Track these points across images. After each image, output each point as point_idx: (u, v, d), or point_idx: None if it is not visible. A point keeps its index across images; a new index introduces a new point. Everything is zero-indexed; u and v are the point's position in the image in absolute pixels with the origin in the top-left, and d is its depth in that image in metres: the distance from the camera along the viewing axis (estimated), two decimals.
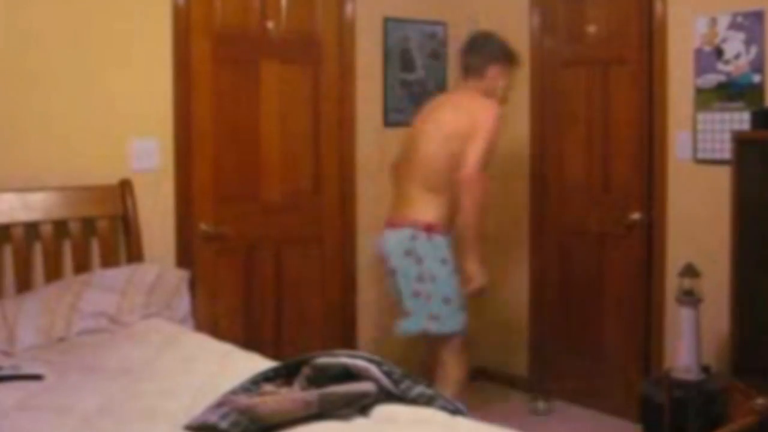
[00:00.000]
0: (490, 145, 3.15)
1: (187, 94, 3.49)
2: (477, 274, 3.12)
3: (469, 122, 3.15)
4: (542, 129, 4.28)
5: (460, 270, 3.22)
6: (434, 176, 3.17)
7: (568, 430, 3.89)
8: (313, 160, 3.96)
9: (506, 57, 3.37)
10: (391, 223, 3.22)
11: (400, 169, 3.34)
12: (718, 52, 3.45)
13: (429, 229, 3.12)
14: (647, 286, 3.84)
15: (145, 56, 3.36)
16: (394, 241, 3.17)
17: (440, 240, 3.13)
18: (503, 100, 3.40)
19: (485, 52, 3.37)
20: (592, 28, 4.04)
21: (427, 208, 3.15)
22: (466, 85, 3.42)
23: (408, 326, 3.26)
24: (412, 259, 3.13)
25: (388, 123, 4.19)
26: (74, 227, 3.08)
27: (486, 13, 4.49)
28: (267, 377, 2.16)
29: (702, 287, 3.26)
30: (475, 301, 4.56)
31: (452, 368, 3.25)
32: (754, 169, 3.04)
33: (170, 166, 3.45)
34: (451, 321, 3.21)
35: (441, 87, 4.40)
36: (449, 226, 3.20)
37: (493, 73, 3.35)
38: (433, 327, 3.22)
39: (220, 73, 3.61)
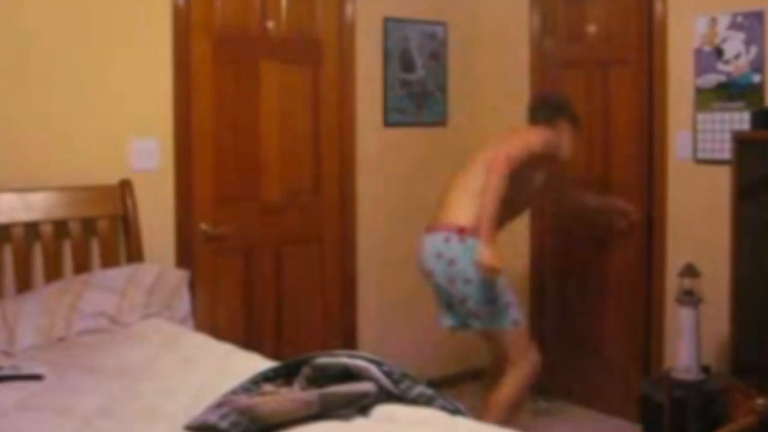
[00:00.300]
0: (526, 150, 3.23)
1: (187, 94, 3.49)
2: (486, 255, 3.11)
3: (521, 149, 3.25)
4: None
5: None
6: (473, 182, 3.22)
7: (567, 430, 3.89)
8: (313, 160, 3.96)
9: (574, 116, 3.48)
10: (428, 229, 3.28)
11: (452, 181, 3.39)
12: (718, 52, 3.45)
13: (461, 231, 3.15)
14: (647, 286, 3.84)
15: (145, 56, 3.36)
16: (428, 245, 3.23)
17: (472, 242, 3.13)
18: (569, 155, 3.49)
19: (558, 105, 3.49)
20: (592, 28, 4.04)
21: (461, 212, 3.20)
22: (532, 128, 3.45)
23: (447, 322, 3.33)
24: (444, 260, 3.17)
25: (388, 123, 4.19)
26: (74, 227, 3.08)
27: (486, 13, 4.50)
28: (267, 377, 2.16)
29: (702, 287, 3.26)
30: None
31: (520, 363, 3.26)
32: (754, 169, 3.04)
33: (170, 166, 3.45)
34: (500, 320, 3.21)
35: (441, 87, 4.40)
36: (495, 229, 3.21)
37: (561, 126, 3.42)
38: (477, 324, 3.25)
39: (220, 73, 3.61)
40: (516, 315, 3.25)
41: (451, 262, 3.15)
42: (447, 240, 3.17)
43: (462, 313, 3.26)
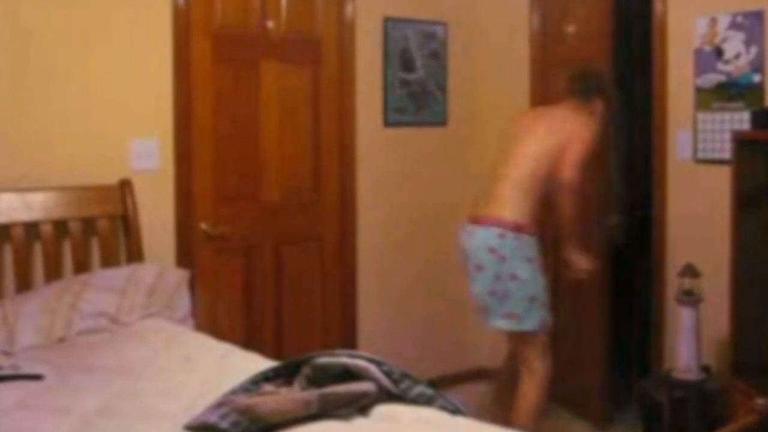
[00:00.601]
0: (586, 151, 3.24)
1: (187, 93, 3.49)
2: (579, 259, 3.30)
3: (567, 132, 3.25)
4: None
5: (545, 268, 3.31)
6: (528, 179, 3.22)
7: (567, 430, 3.89)
8: (313, 160, 3.96)
9: (609, 97, 3.45)
10: (478, 220, 3.24)
11: (495, 170, 3.35)
12: (718, 52, 3.45)
13: (518, 228, 3.16)
14: (647, 286, 3.84)
15: (145, 56, 3.36)
16: (479, 237, 3.20)
17: (527, 239, 3.18)
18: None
19: (597, 84, 3.45)
20: (591, 28, 4.04)
21: (513, 207, 3.18)
22: (568, 103, 3.42)
23: (486, 321, 3.31)
24: (496, 257, 3.15)
25: (388, 123, 4.20)
26: (74, 227, 3.08)
27: (486, 13, 4.50)
28: (267, 377, 2.16)
29: (702, 287, 3.26)
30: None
31: (537, 365, 3.28)
32: (754, 169, 3.04)
33: (170, 166, 3.45)
34: (531, 320, 3.23)
35: (441, 87, 4.40)
36: (537, 226, 3.25)
37: (596, 105, 3.39)
38: (509, 325, 3.24)
39: (220, 73, 3.61)
40: (546, 317, 3.27)
41: (503, 259, 3.15)
42: (502, 236, 3.14)
43: (497, 313, 3.23)
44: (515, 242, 3.15)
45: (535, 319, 3.23)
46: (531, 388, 3.26)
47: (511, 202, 3.19)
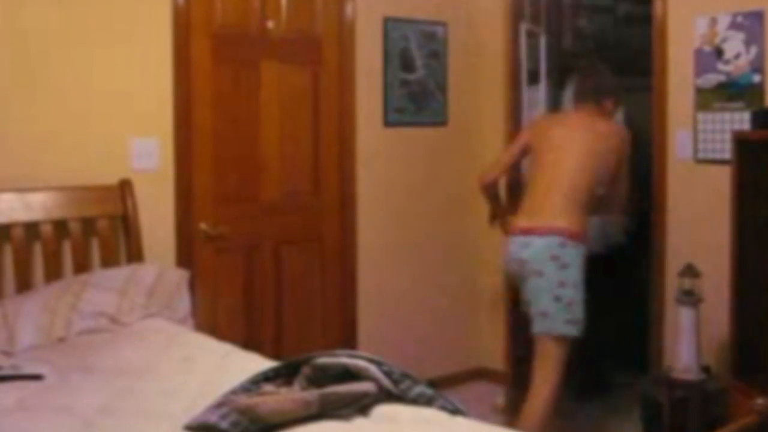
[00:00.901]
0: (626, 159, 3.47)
1: (187, 94, 3.49)
2: None
3: (606, 145, 3.38)
4: None
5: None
6: (578, 192, 3.31)
7: (568, 429, 3.89)
8: (312, 160, 3.96)
9: (617, 95, 3.54)
10: (532, 231, 3.29)
11: (537, 181, 3.41)
12: (718, 52, 3.45)
13: (576, 237, 3.25)
14: (647, 286, 3.84)
15: (145, 56, 3.36)
16: (539, 246, 3.25)
17: (583, 248, 3.28)
18: None
19: (604, 83, 3.51)
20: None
21: (570, 218, 3.27)
22: (585, 108, 3.49)
23: (544, 327, 3.28)
24: (558, 264, 3.22)
25: (388, 123, 4.19)
26: (74, 227, 3.08)
27: (486, 13, 4.49)
28: (267, 377, 2.16)
29: (702, 287, 3.26)
30: (479, 301, 4.57)
31: (552, 374, 3.29)
32: (754, 169, 3.04)
33: (170, 166, 3.45)
34: (573, 327, 3.27)
35: (441, 87, 4.40)
36: (586, 237, 3.35)
37: (607, 107, 3.47)
38: (571, 331, 3.26)
39: (220, 73, 3.61)
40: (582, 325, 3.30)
41: (566, 266, 3.21)
42: (563, 245, 3.22)
43: (559, 319, 3.24)
44: (575, 250, 3.24)
45: (576, 328, 3.27)
46: (547, 398, 3.27)
47: (566, 212, 3.27)
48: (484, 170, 3.71)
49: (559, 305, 3.23)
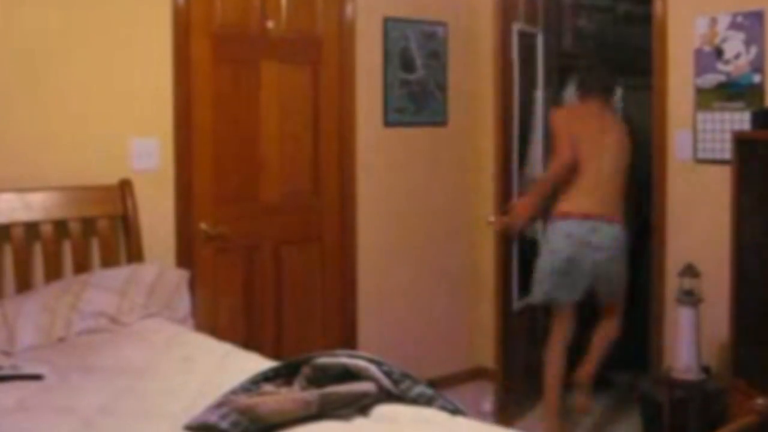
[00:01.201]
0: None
1: (187, 94, 3.49)
2: None
3: (623, 140, 3.71)
4: None
5: None
6: (615, 180, 3.66)
7: (568, 429, 3.89)
8: (312, 160, 3.96)
9: (615, 89, 3.90)
10: (601, 217, 3.60)
11: (585, 169, 3.63)
12: (718, 52, 3.45)
13: (620, 222, 3.64)
14: (647, 286, 3.84)
15: (145, 56, 3.36)
16: (607, 232, 3.60)
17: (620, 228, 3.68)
18: None
19: (608, 79, 3.82)
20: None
21: (616, 206, 3.65)
22: (597, 102, 3.74)
23: (610, 295, 3.74)
24: (615, 247, 3.63)
25: (388, 123, 4.19)
26: (74, 227, 3.08)
27: (486, 13, 4.49)
28: (267, 377, 2.16)
29: (702, 287, 3.26)
30: (479, 301, 4.56)
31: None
32: (754, 169, 3.04)
33: (170, 166, 3.45)
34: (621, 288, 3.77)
35: (441, 87, 4.39)
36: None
37: (613, 99, 3.78)
38: (614, 297, 3.74)
39: (220, 73, 3.61)
40: None
41: (616, 247, 3.63)
42: (619, 232, 3.63)
43: (603, 290, 3.69)
44: (623, 238, 3.66)
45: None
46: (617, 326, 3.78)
47: (614, 201, 3.64)
48: (553, 168, 3.76)
49: (601, 280, 3.66)
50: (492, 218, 3.85)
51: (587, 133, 3.65)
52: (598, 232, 3.58)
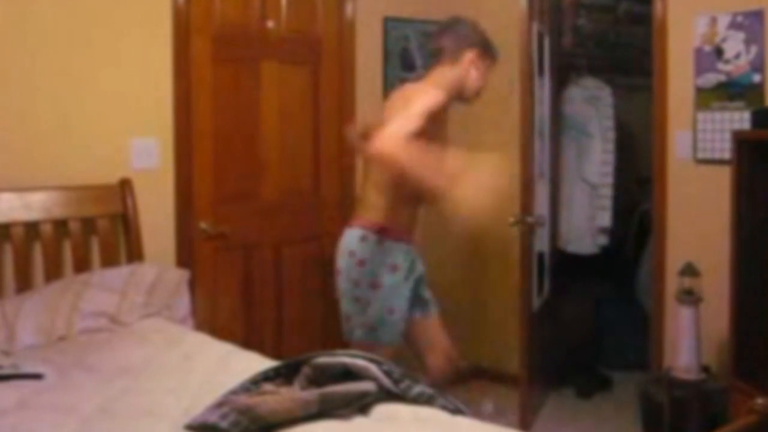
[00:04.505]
0: (416, 116, 2.66)
1: (187, 93, 3.49)
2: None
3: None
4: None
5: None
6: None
7: (568, 429, 3.89)
8: (312, 160, 3.96)
9: (484, 45, 3.06)
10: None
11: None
12: (718, 52, 3.45)
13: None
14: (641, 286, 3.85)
15: (145, 56, 3.35)
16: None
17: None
18: (475, 94, 3.09)
19: (462, 35, 3.03)
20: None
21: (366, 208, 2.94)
22: (431, 73, 3.05)
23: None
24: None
25: None
26: (74, 227, 3.08)
27: (486, 13, 4.49)
28: (267, 377, 2.16)
29: (702, 287, 3.26)
30: (476, 300, 4.57)
31: None
32: (754, 169, 3.04)
33: (170, 166, 3.45)
34: None
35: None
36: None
37: (469, 59, 2.99)
38: None
39: (220, 72, 3.61)
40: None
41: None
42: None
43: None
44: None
45: None
46: None
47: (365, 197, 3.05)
48: None
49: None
50: (511, 219, 3.64)
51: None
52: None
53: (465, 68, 3.00)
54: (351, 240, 2.92)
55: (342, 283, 2.96)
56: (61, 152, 3.14)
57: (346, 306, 2.98)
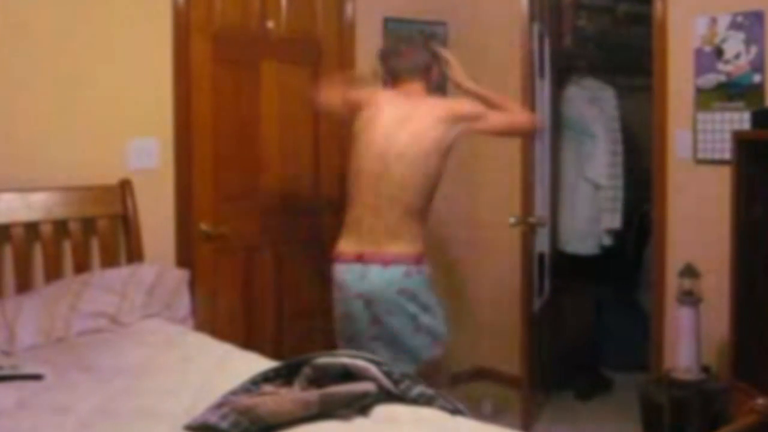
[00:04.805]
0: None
1: (187, 93, 3.49)
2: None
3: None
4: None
5: None
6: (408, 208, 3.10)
7: (568, 430, 3.89)
8: (313, 160, 3.96)
9: (436, 56, 3.32)
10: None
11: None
12: (718, 52, 3.45)
13: None
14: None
15: (145, 56, 3.35)
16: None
17: None
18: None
19: (425, 50, 3.29)
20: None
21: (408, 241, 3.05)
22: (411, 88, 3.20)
23: None
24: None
25: None
26: (74, 227, 3.08)
27: (486, 13, 4.49)
28: (267, 377, 2.16)
29: (702, 287, 3.26)
30: (476, 300, 4.57)
31: None
32: (754, 169, 3.04)
33: (170, 166, 3.45)
34: None
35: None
36: None
37: (435, 71, 3.28)
38: None
39: (220, 73, 3.61)
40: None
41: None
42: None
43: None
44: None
45: None
46: None
47: (398, 229, 3.16)
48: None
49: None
50: (512, 219, 3.66)
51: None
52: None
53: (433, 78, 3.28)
54: (394, 277, 2.86)
55: (396, 324, 2.90)
56: (61, 152, 3.14)
57: (412, 340, 2.94)
